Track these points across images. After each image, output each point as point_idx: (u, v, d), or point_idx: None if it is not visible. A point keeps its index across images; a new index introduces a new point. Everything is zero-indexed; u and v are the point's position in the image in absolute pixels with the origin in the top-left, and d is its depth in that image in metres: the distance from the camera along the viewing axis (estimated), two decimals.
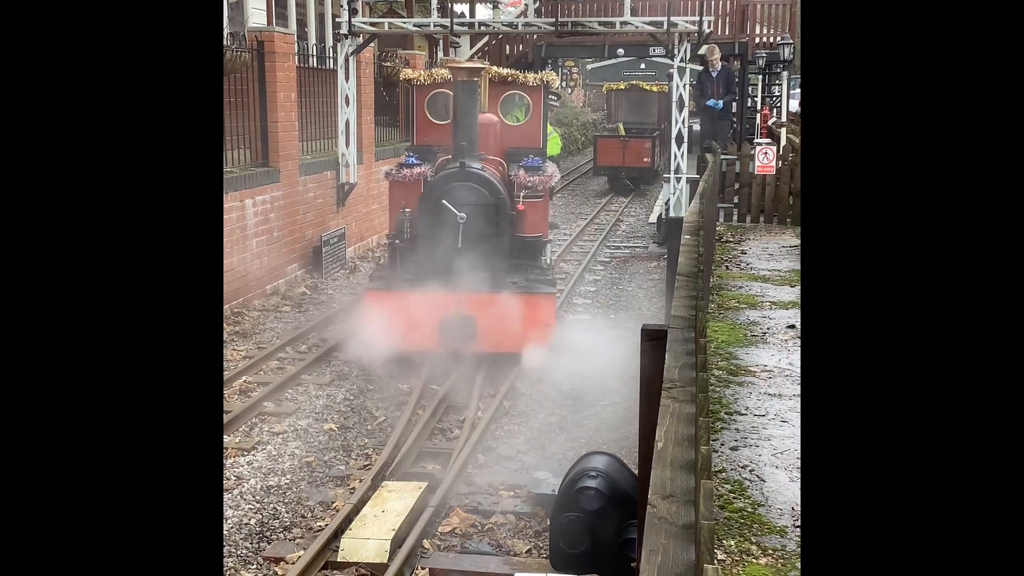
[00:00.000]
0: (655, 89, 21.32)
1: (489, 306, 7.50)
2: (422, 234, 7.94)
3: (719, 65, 13.49)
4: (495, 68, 8.95)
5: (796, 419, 4.46)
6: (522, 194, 7.96)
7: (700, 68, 14.15)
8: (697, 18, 10.57)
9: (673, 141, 11.31)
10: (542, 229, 8.45)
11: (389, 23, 11.04)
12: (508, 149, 8.73)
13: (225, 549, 4.93)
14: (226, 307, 9.37)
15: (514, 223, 7.97)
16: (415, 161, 8.31)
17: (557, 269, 11.07)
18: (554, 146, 10.40)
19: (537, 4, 16.83)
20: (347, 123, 11.59)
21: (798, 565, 3.14)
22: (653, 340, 3.86)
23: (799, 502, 3.55)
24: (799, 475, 3.80)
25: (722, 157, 11.49)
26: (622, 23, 10.94)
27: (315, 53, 12.67)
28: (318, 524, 5.23)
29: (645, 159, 19.95)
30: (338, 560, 4.82)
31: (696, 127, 14.35)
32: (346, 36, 10.94)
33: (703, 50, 11.72)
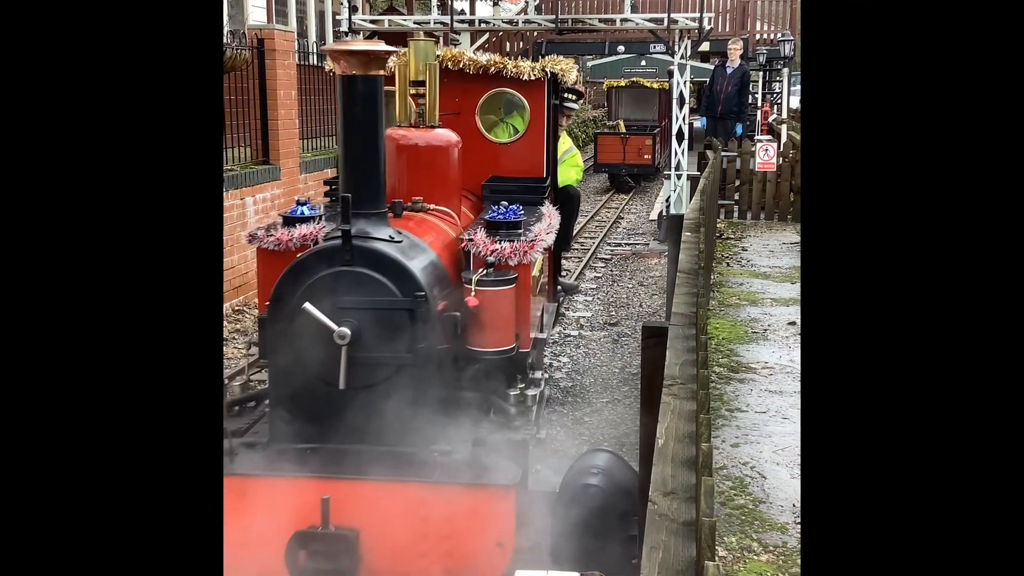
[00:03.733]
0: (656, 86, 21.30)
1: (385, 509, 3.77)
2: (274, 362, 4.15)
3: (738, 61, 13.38)
4: (467, 54, 5.60)
5: (797, 416, 4.46)
6: (476, 276, 4.19)
7: (715, 64, 14.04)
8: (697, 15, 10.56)
9: (674, 138, 11.31)
10: (514, 335, 4.40)
11: (389, 20, 11.04)
12: (490, 181, 5.56)
13: None
14: (227, 305, 9.37)
15: (460, 330, 4.18)
16: (309, 212, 4.63)
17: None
18: (571, 170, 6.83)
19: (537, 1, 16.84)
20: None
21: (800, 562, 3.14)
22: (654, 337, 3.87)
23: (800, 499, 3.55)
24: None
25: (722, 154, 11.49)
26: (622, 20, 10.94)
27: (315, 51, 12.66)
28: None
29: (646, 156, 19.93)
30: None
31: (698, 124, 14.31)
32: (346, 33, 10.95)
33: (705, 45, 11.69)
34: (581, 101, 7.42)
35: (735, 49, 13.51)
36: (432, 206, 4.73)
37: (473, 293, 4.17)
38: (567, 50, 21.19)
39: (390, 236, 4.06)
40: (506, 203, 4.66)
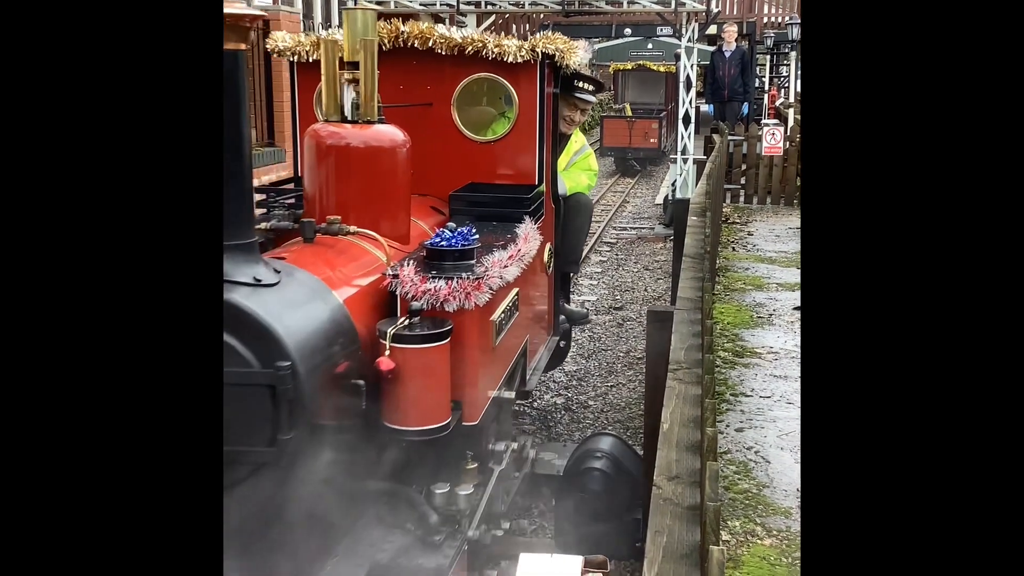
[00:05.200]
0: (662, 69, 21.23)
1: None
2: None
3: (734, 45, 13.43)
4: (439, 29, 4.41)
5: None
6: (392, 329, 3.12)
7: (713, 48, 14.05)
8: None
9: (680, 122, 11.27)
10: (448, 406, 3.27)
11: (395, 2, 11.00)
12: (463, 190, 4.42)
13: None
14: None
15: (367, 402, 3.09)
16: None
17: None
18: (583, 174, 5.59)
19: None
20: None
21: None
22: (659, 322, 3.87)
23: None
24: None
25: (729, 138, 11.45)
26: (629, 2, 10.88)
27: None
28: None
29: (652, 140, 19.88)
30: None
31: (705, 108, 14.29)
32: None
33: (711, 29, 11.64)
34: (600, 93, 5.67)
35: (731, 32, 13.56)
36: (354, 228, 3.48)
37: (387, 352, 3.04)
38: (574, 33, 21.10)
39: (255, 279, 2.81)
40: (453, 224, 3.52)
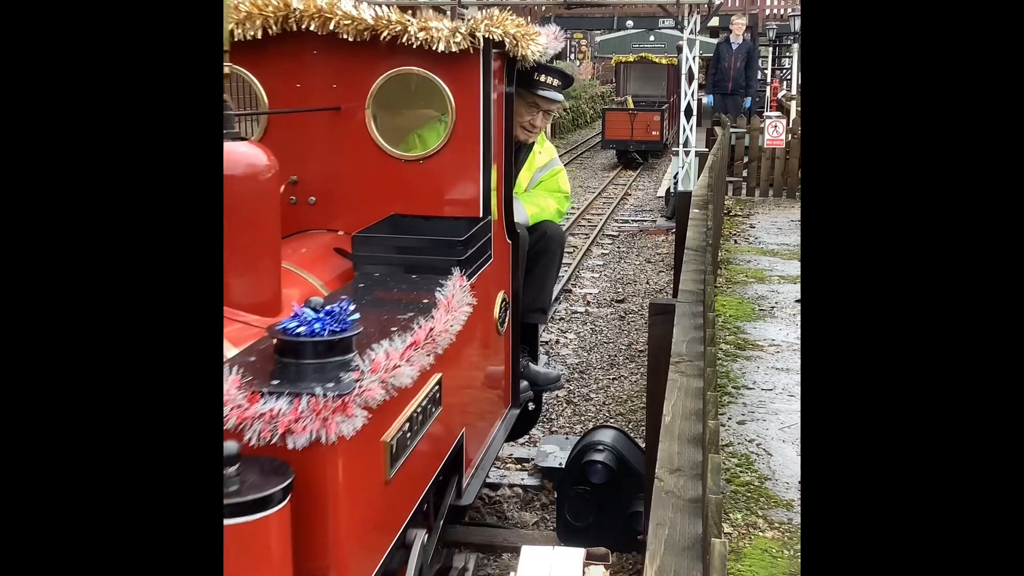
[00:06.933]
0: (664, 62, 21.21)
1: None
2: None
3: (741, 38, 13.39)
4: (344, 7, 3.24)
5: None
6: None
7: (718, 39, 14.02)
8: None
9: (682, 114, 11.25)
10: None
11: None
12: (382, 226, 3.32)
13: None
14: None
15: None
16: None
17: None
18: (550, 198, 4.22)
19: None
20: None
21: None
22: (661, 314, 3.87)
23: None
24: None
25: (731, 130, 11.44)
26: None
27: None
28: None
29: (654, 132, 19.87)
30: None
31: (706, 100, 14.29)
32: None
33: (714, 21, 11.61)
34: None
35: (740, 24, 13.52)
36: None
37: None
38: (576, 25, 21.09)
39: None
40: (319, 299, 2.27)
